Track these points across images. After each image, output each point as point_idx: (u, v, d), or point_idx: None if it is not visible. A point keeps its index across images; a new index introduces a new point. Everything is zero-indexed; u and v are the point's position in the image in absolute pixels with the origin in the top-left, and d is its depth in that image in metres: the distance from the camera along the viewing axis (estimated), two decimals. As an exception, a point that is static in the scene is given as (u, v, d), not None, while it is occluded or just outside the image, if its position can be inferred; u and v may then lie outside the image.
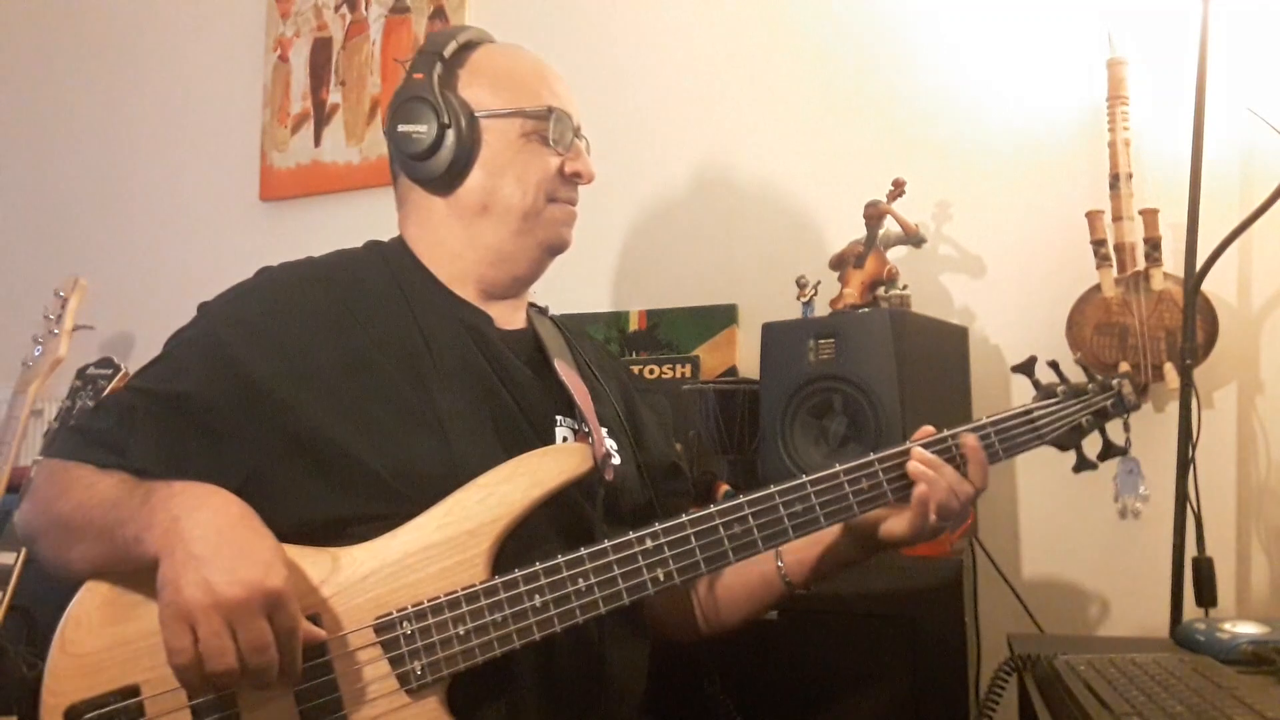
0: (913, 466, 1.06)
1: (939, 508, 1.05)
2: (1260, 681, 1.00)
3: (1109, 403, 1.12)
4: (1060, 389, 1.13)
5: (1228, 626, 1.14)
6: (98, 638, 0.94)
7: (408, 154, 1.16)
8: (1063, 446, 1.12)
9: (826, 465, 1.40)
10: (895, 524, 1.08)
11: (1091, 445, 1.14)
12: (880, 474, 1.06)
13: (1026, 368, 1.14)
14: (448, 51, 1.18)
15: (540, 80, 1.20)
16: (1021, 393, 1.71)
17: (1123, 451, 1.14)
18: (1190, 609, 1.41)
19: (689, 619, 1.25)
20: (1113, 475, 1.20)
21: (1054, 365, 1.15)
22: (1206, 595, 1.42)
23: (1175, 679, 0.94)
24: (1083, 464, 1.13)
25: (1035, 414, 1.11)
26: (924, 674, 1.32)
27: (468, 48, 1.20)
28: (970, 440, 1.07)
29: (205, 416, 1.02)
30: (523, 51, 1.24)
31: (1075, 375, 1.16)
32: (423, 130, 1.14)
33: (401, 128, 1.16)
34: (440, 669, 0.96)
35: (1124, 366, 1.57)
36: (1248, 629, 1.12)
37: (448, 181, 1.17)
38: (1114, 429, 1.14)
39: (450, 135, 1.14)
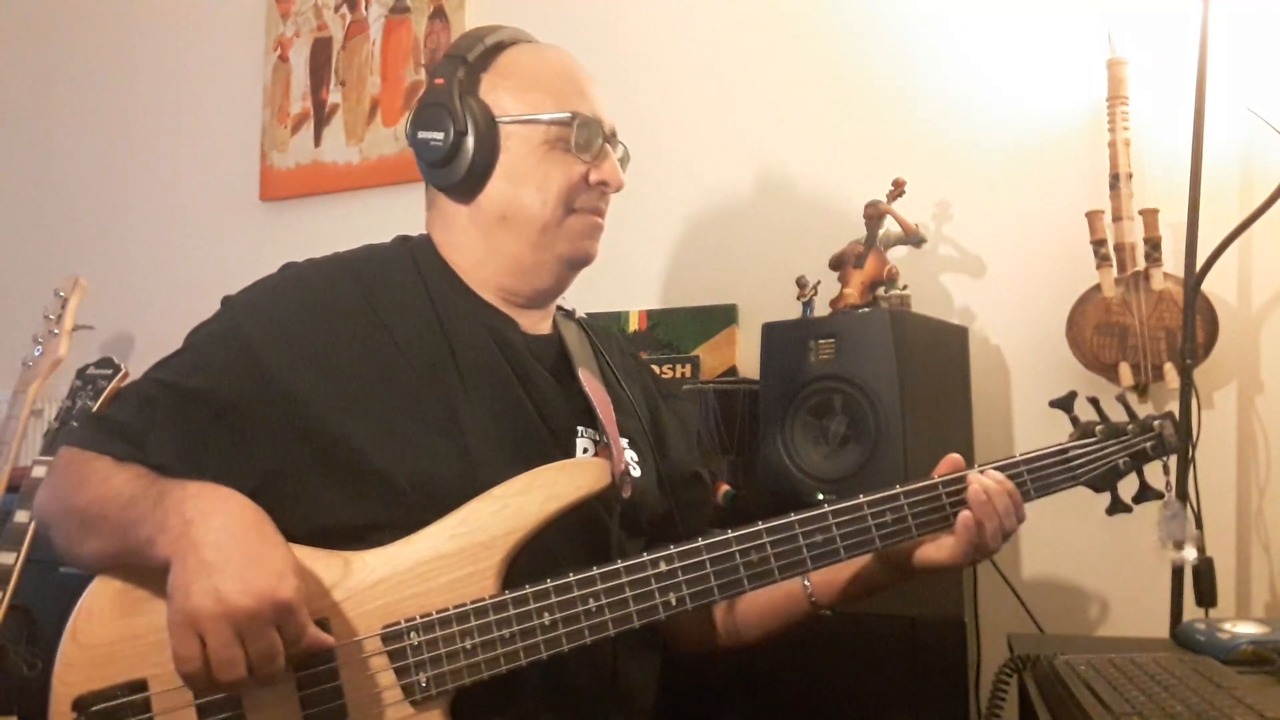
0: (973, 491, 1.02)
1: (992, 535, 1.02)
2: (1260, 681, 1.00)
3: (1149, 444, 1.07)
4: (1098, 428, 1.08)
5: (1228, 626, 1.14)
6: (108, 630, 0.94)
7: (427, 161, 1.14)
8: (1097, 488, 1.08)
9: (827, 465, 1.43)
10: (933, 551, 1.04)
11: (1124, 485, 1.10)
12: (905, 508, 1.03)
13: (1065, 403, 1.09)
14: (472, 55, 1.14)
15: (568, 83, 1.16)
16: (1022, 394, 1.73)
17: (1159, 496, 1.08)
18: (1190, 609, 1.41)
19: (708, 631, 1.22)
20: (1156, 520, 1.14)
21: (1094, 402, 1.10)
22: (1206, 595, 1.42)
23: (1175, 679, 0.94)
24: (1117, 506, 1.08)
25: (1071, 454, 1.06)
26: (924, 674, 1.32)
27: (496, 49, 1.16)
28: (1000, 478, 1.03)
29: (225, 414, 1.01)
30: (555, 52, 1.19)
31: (1116, 412, 1.11)
32: (439, 138, 1.11)
33: (420, 134, 1.13)
34: (445, 682, 0.95)
35: (1124, 366, 1.57)
36: (1248, 629, 1.12)
37: (468, 188, 1.13)
38: (1152, 471, 1.09)
39: (467, 143, 1.10)
